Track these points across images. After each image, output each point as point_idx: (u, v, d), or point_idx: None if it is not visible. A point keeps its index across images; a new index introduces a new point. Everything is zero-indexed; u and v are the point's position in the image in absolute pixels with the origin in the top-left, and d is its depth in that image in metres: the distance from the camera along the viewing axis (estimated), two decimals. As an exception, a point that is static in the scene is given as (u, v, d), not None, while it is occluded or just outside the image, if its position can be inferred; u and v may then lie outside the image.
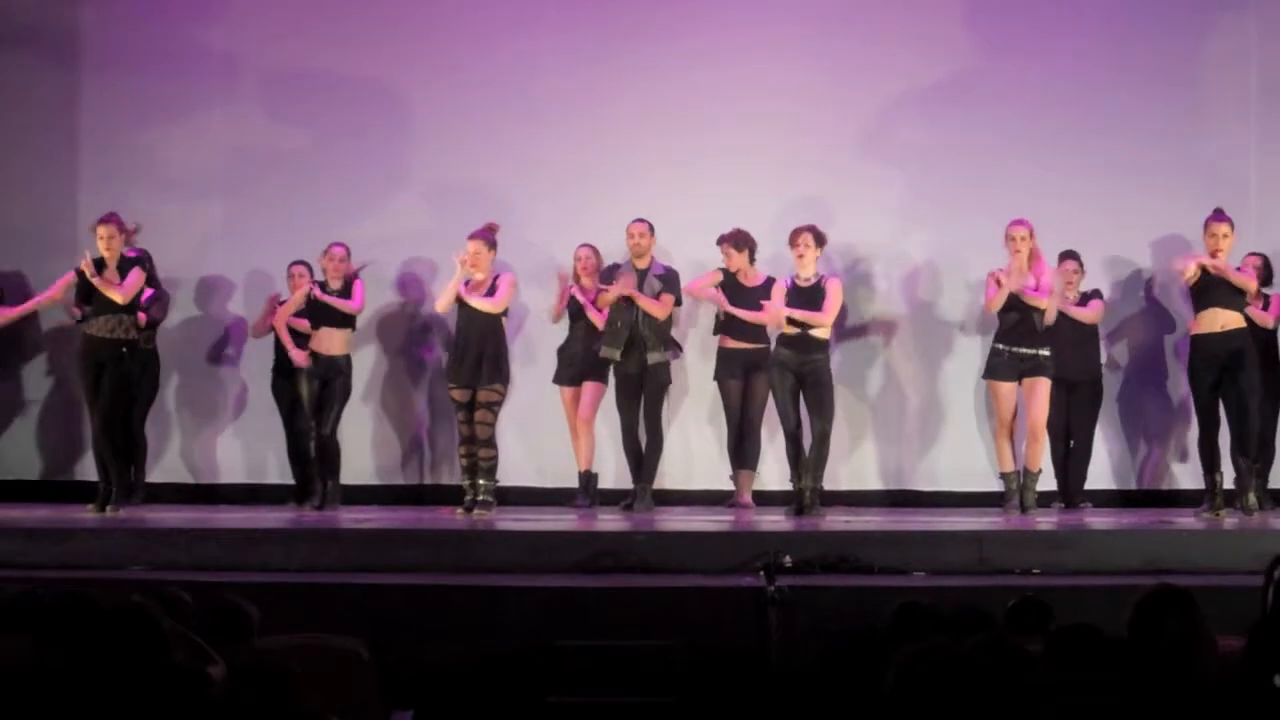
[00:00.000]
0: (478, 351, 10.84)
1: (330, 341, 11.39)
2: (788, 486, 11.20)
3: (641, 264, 11.54)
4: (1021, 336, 11.02)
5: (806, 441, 10.99)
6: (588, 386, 11.66)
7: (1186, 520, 10.68)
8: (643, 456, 11.48)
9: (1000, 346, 11.09)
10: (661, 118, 12.15)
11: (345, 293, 11.42)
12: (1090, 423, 11.80)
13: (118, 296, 10.73)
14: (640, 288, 11.41)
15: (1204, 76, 12.02)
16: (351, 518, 10.83)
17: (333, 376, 11.36)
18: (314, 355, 11.37)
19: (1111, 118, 12.01)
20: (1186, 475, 11.89)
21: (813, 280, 10.99)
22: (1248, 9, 12.02)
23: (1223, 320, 10.77)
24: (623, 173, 12.15)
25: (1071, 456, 11.75)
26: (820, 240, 11.05)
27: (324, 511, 11.21)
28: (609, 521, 10.77)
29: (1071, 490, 11.70)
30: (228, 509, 11.55)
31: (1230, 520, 10.56)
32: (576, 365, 11.70)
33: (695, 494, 11.92)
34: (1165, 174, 11.93)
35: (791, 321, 10.91)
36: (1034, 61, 12.08)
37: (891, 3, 12.18)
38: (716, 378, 11.60)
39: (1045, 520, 10.71)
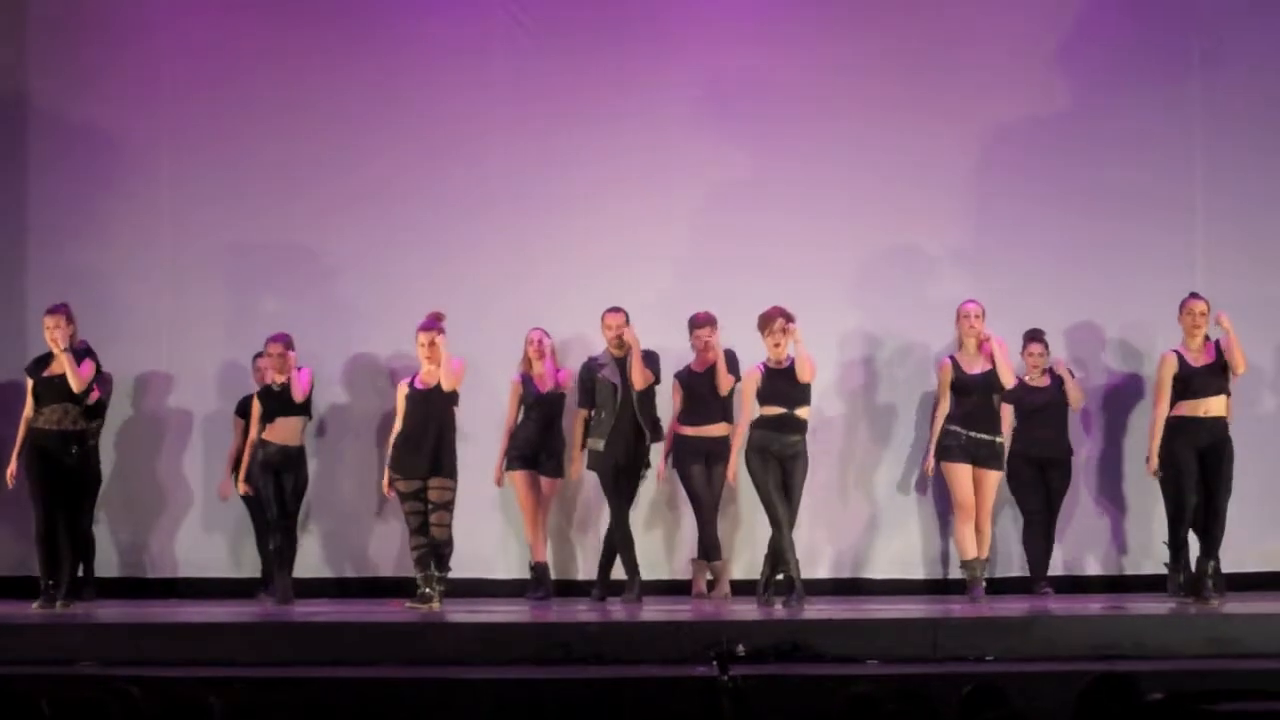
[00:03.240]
0: (432, 443, 10.78)
1: (287, 431, 11.34)
2: (752, 575, 11.12)
3: (620, 354, 11.45)
4: (978, 420, 11.02)
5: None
6: (545, 481, 11.63)
7: (1146, 605, 10.62)
8: (632, 545, 11.37)
9: (956, 429, 11.06)
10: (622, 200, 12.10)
11: (289, 386, 11.31)
12: (1057, 504, 11.61)
13: (76, 382, 10.67)
14: (621, 376, 11.33)
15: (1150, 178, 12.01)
16: (304, 610, 10.77)
17: (287, 467, 11.30)
18: (266, 444, 11.32)
19: (1063, 202, 12.01)
20: (1139, 560, 11.83)
21: (787, 361, 10.83)
22: (1194, 105, 12.02)
23: (1206, 407, 10.70)
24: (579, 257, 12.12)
25: (1039, 538, 11.53)
26: (790, 320, 10.78)
27: (279, 605, 11.13)
28: (562, 611, 10.72)
29: (1036, 574, 11.48)
30: (180, 603, 11.48)
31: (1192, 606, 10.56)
32: (530, 449, 11.62)
33: (649, 584, 11.66)
34: (1114, 259, 11.96)
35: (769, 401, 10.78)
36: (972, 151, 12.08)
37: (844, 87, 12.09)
38: (676, 465, 11.47)
39: (999, 606, 10.65)
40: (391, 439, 10.95)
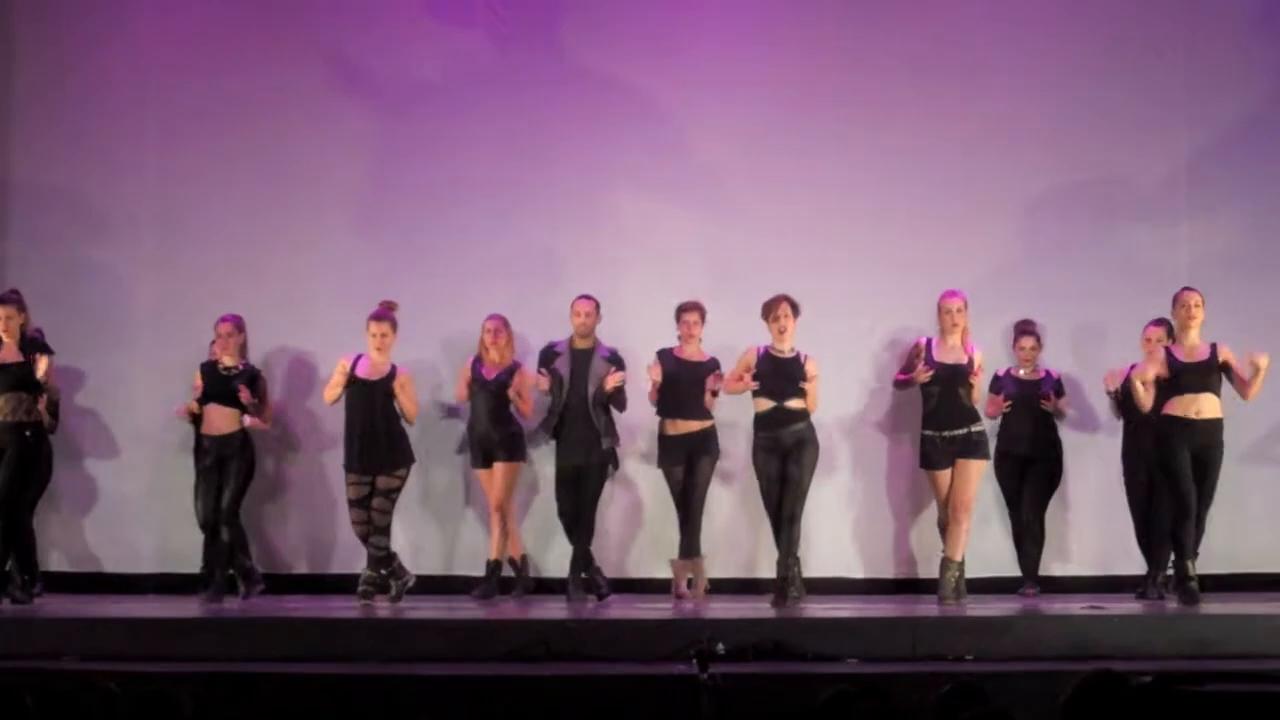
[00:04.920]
0: (383, 434, 10.69)
1: (223, 419, 11.19)
2: (732, 574, 11.16)
3: (585, 344, 11.23)
4: (948, 417, 10.84)
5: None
6: (498, 468, 11.36)
7: (1124, 605, 10.58)
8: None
9: (930, 434, 10.92)
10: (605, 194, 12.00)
11: (248, 382, 11.15)
12: (1043, 502, 11.46)
13: (37, 372, 10.47)
14: (586, 370, 11.09)
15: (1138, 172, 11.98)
16: (275, 606, 10.71)
17: (228, 456, 11.16)
18: (202, 437, 11.17)
19: (1049, 206, 11.97)
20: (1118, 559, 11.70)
21: (791, 352, 10.81)
22: (1176, 107, 11.98)
23: (1198, 406, 10.56)
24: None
25: (1023, 538, 11.40)
26: (796, 310, 10.79)
27: (239, 600, 11.01)
28: (540, 609, 10.63)
29: (1024, 574, 11.34)
30: (136, 599, 11.33)
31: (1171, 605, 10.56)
32: (487, 444, 11.37)
33: (631, 582, 11.70)
34: (1097, 261, 11.89)
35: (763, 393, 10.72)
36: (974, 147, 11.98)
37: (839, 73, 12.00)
38: (661, 465, 11.26)
39: (977, 607, 10.56)
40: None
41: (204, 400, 11.19)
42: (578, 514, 11.16)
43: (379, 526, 10.69)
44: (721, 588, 11.33)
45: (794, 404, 10.80)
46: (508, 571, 11.38)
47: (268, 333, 11.62)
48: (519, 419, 11.39)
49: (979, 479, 10.94)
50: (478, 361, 11.36)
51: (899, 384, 11.22)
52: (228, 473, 11.13)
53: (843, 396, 11.73)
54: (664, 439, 11.23)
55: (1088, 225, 11.91)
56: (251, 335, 11.33)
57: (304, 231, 11.98)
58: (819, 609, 10.43)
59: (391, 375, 10.81)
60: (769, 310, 10.84)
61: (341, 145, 12.01)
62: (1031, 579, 11.33)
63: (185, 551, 11.60)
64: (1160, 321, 11.05)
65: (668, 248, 11.87)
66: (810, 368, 10.87)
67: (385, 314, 10.79)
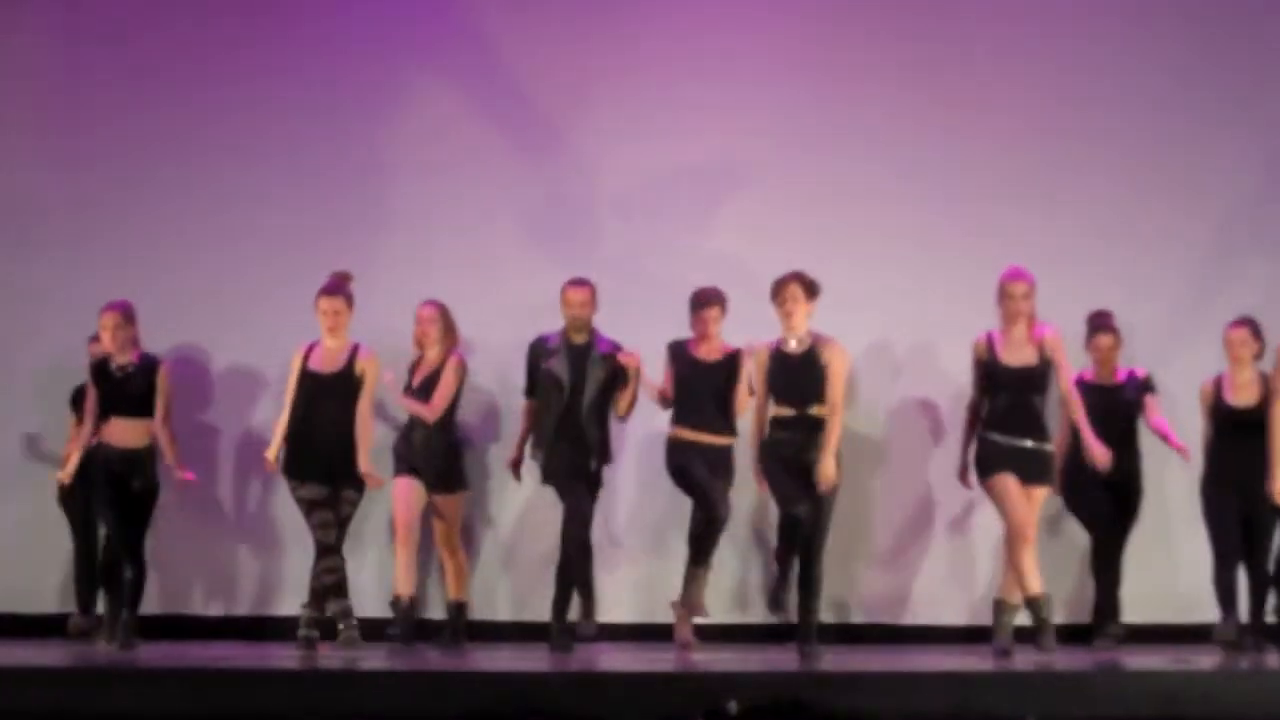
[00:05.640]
0: (336, 439, 9.37)
1: (126, 432, 9.67)
2: (737, 618, 10.30)
3: (580, 339, 9.85)
4: (1019, 424, 9.32)
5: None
6: (400, 483, 9.94)
7: (1209, 658, 9.49)
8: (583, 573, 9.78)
9: (993, 437, 9.39)
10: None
11: (146, 375, 9.70)
12: (1122, 536, 10.33)
13: None
14: (585, 367, 9.69)
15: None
16: (194, 655, 9.41)
17: (132, 475, 9.65)
18: (105, 447, 9.67)
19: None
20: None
21: (805, 346, 9.41)
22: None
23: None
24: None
25: (1102, 574, 10.30)
26: (812, 291, 9.39)
27: (121, 649, 9.57)
28: (517, 660, 9.44)
29: (1102, 619, 10.21)
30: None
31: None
32: (412, 457, 9.97)
33: (618, 628, 10.53)
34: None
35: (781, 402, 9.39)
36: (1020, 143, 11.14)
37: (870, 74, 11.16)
38: (670, 466, 9.82)
39: (1042, 659, 9.29)
40: (281, 428, 9.56)
41: (102, 411, 9.68)
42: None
43: (335, 547, 9.36)
44: (733, 634, 10.38)
45: (817, 410, 9.37)
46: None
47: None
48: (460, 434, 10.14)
49: (1039, 509, 9.51)
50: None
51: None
52: (133, 496, 9.63)
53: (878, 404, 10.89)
54: (677, 446, 9.80)
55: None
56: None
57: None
58: (849, 660, 9.49)
59: (352, 362, 9.44)
60: (776, 292, 9.48)
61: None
62: (1110, 623, 10.21)
63: (35, 589, 10.66)
64: (1243, 322, 9.96)
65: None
66: (835, 364, 9.37)
67: (336, 287, 9.48)
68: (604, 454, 9.85)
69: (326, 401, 9.41)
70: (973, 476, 9.54)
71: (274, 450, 9.60)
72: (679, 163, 10.98)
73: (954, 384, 10.41)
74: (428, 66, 11.11)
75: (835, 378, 9.39)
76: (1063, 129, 11.03)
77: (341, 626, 9.44)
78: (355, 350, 9.52)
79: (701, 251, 10.77)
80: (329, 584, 9.38)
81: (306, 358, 9.54)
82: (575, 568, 9.75)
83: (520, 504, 10.71)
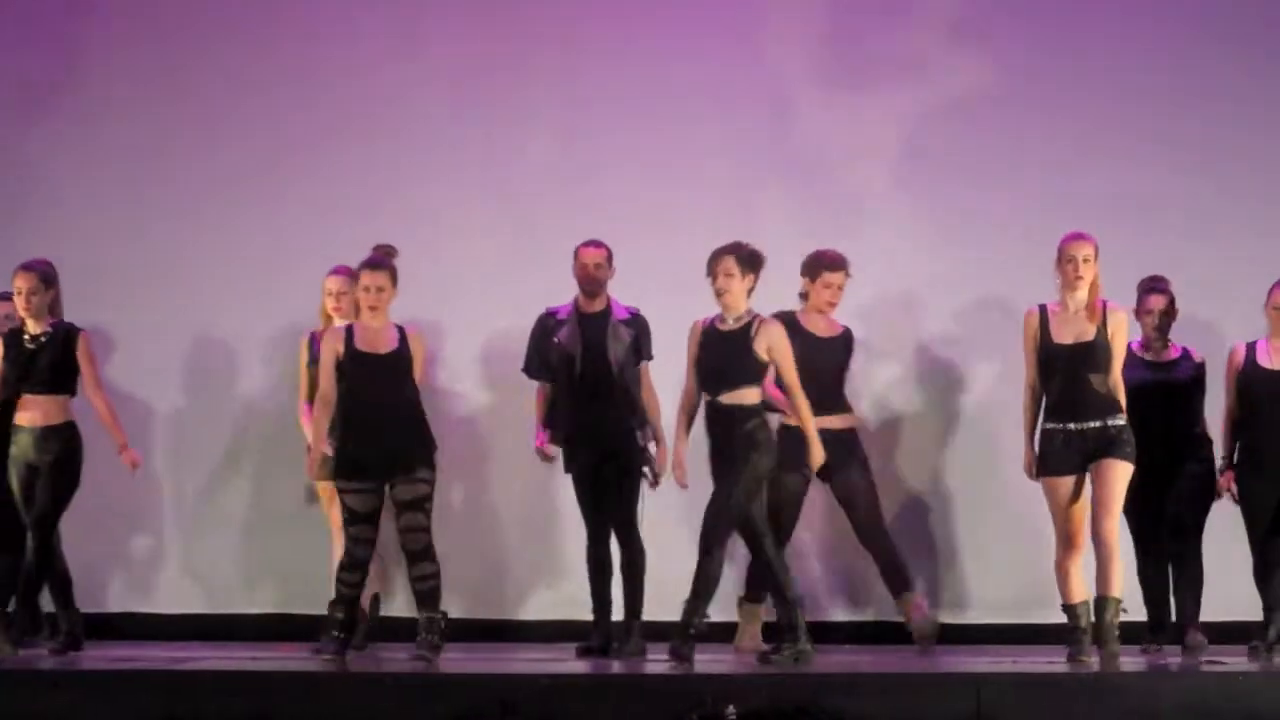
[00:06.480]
0: (401, 423, 8.65)
1: (41, 408, 9.03)
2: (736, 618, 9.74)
3: (595, 306, 9.16)
4: (1078, 406, 8.59)
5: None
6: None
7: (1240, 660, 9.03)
8: (622, 576, 9.25)
9: (1052, 427, 8.67)
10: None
11: (61, 346, 9.04)
12: (1197, 525, 9.48)
13: None
14: (605, 339, 9.04)
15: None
16: (166, 656, 9.04)
17: (49, 456, 9.00)
18: (15, 428, 9.04)
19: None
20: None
21: (741, 322, 8.70)
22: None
23: None
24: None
25: (1150, 570, 9.56)
26: (750, 263, 8.64)
27: (65, 651, 9.05)
28: (506, 663, 9.10)
29: (1185, 617, 9.48)
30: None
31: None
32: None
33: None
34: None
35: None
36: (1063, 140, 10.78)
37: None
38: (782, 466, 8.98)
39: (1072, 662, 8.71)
40: (314, 423, 8.94)
41: (11, 385, 9.01)
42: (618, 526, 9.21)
43: (418, 550, 8.63)
44: (733, 635, 9.92)
45: (731, 397, 8.59)
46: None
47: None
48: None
49: (1125, 484, 8.66)
50: (312, 339, 9.52)
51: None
52: (46, 479, 9.00)
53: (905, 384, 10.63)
54: (791, 432, 8.96)
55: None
56: None
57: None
58: (854, 661, 9.32)
59: (404, 340, 8.76)
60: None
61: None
62: (1160, 627, 9.55)
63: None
64: None
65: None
66: (771, 339, 8.61)
67: (380, 261, 8.69)
68: (646, 429, 9.12)
69: (384, 384, 8.64)
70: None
71: (322, 448, 8.85)
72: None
73: (963, 378, 10.46)
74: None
75: (783, 358, 8.65)
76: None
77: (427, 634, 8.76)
78: (402, 330, 8.79)
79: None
80: (423, 591, 8.71)
81: (349, 340, 8.75)
82: (593, 582, 9.33)
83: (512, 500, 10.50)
